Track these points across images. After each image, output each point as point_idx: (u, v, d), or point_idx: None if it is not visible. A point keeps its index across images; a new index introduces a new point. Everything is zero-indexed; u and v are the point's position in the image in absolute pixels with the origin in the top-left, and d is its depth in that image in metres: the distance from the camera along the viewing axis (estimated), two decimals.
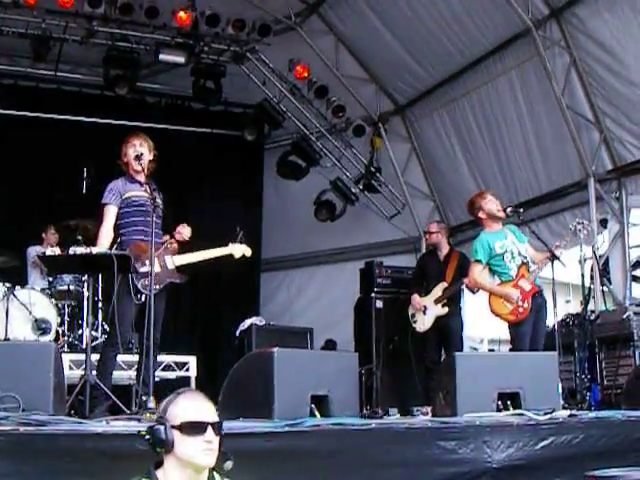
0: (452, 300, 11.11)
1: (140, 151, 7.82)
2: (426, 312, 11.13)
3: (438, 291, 11.09)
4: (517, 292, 9.06)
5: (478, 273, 9.34)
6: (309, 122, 14.96)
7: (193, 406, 3.92)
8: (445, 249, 11.50)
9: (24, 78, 13.98)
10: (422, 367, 11.40)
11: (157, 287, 7.50)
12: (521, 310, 9.07)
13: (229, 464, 3.96)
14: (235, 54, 14.03)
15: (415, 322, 11.26)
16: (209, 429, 3.86)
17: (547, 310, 9.32)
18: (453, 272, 11.16)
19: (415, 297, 11.25)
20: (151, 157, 7.94)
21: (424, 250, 13.75)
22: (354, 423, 6.33)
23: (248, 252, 8.45)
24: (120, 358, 9.43)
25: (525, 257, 9.29)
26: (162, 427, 3.86)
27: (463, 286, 10.89)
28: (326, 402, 6.73)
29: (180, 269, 7.94)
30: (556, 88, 11.75)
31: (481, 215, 9.50)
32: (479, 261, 9.28)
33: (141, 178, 7.86)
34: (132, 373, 9.54)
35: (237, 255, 8.36)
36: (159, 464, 3.92)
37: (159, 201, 7.62)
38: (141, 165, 7.78)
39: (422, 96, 14.50)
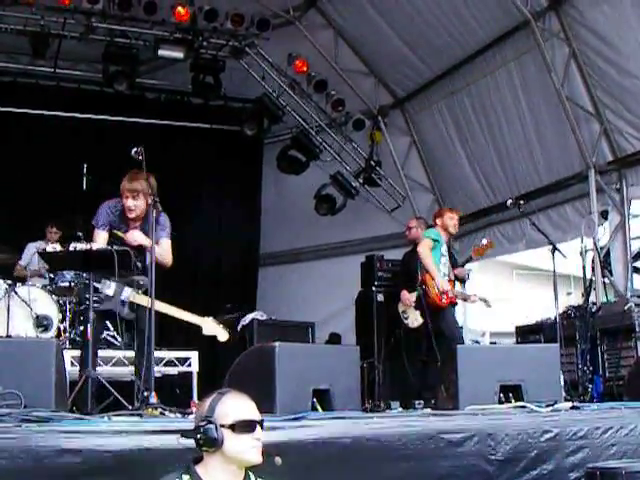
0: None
1: (133, 205, 7.61)
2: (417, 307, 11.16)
3: None
4: (448, 287, 10.03)
5: (429, 248, 10.10)
6: (309, 116, 14.96)
7: (243, 405, 4.05)
8: None
9: (23, 75, 13.98)
10: (417, 362, 11.42)
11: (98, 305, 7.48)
12: (444, 300, 10.01)
13: (279, 459, 4.10)
14: (234, 49, 14.03)
15: (406, 318, 11.28)
16: (258, 427, 4.00)
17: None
18: None
19: (404, 294, 11.27)
20: (150, 201, 7.73)
21: None
22: (356, 417, 6.34)
23: (222, 337, 8.15)
24: (122, 354, 9.47)
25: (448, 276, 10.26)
26: (212, 426, 3.95)
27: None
28: (328, 396, 6.73)
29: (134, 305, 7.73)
30: (555, 80, 11.74)
31: (439, 223, 10.36)
32: (436, 241, 10.15)
33: (132, 219, 7.74)
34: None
35: (205, 332, 8.09)
36: (197, 460, 4.02)
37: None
38: (135, 215, 7.68)
39: (421, 89, 14.52)
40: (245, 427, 3.95)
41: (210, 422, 3.95)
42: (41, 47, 12.77)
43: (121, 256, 7.17)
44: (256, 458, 3.99)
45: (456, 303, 10.31)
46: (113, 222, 7.72)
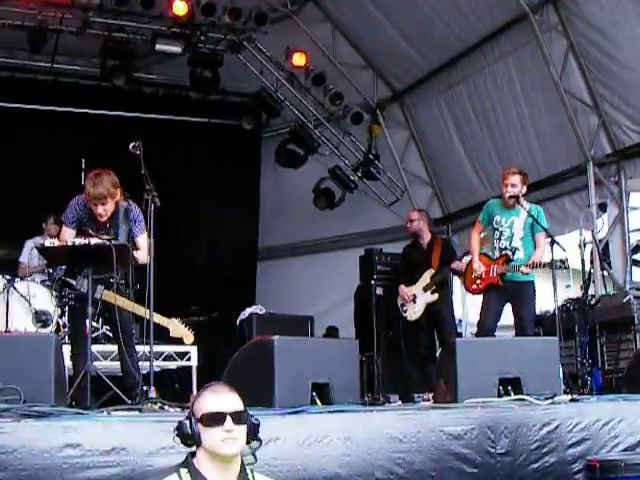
0: (441, 286, 11.15)
1: (103, 211, 7.59)
2: (416, 300, 11.18)
3: (426, 278, 11.14)
4: (481, 270, 9.50)
5: (476, 231, 9.81)
6: (307, 110, 14.94)
7: (213, 398, 4.04)
8: (427, 237, 11.54)
9: (21, 70, 13.97)
10: (416, 355, 11.46)
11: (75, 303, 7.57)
12: (474, 286, 9.70)
13: (251, 458, 4.12)
14: (232, 43, 14.00)
15: (405, 312, 11.33)
16: (228, 418, 3.96)
17: (528, 298, 9.51)
18: (438, 258, 11.22)
19: (402, 288, 11.32)
20: (118, 198, 7.73)
21: None
22: (355, 410, 6.34)
23: (187, 340, 8.21)
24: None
25: (513, 250, 9.43)
26: (188, 422, 4.00)
27: (455, 269, 11.06)
28: (327, 390, 6.73)
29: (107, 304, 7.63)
30: (554, 73, 11.73)
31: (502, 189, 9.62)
32: (480, 221, 9.73)
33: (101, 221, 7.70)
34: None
35: (172, 334, 8.12)
36: (194, 454, 4.04)
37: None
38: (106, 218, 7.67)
39: (419, 82, 14.49)
40: (211, 420, 3.95)
41: (189, 417, 4.01)
42: (39, 42, 12.74)
43: (120, 251, 7.18)
44: (226, 450, 3.95)
45: (499, 285, 9.41)
46: (82, 219, 7.69)
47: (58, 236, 8.86)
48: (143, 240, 7.66)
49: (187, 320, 8.34)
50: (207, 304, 14.91)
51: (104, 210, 7.57)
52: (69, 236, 7.63)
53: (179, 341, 10.81)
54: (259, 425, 4.13)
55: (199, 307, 12.66)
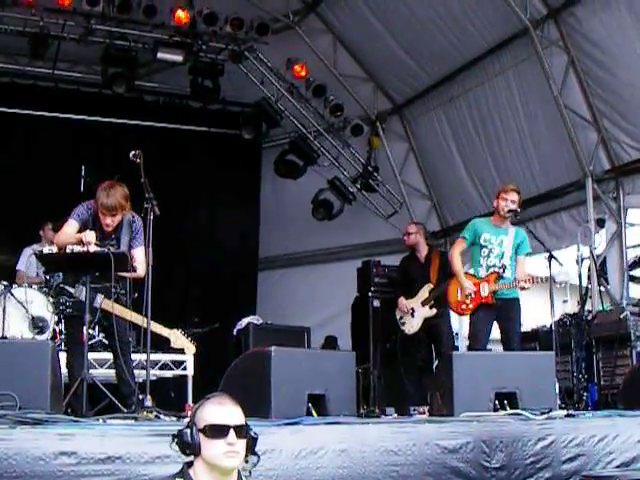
0: (439, 301, 11.09)
1: (111, 221, 7.59)
2: (414, 314, 11.16)
3: (424, 293, 11.11)
4: (472, 289, 9.32)
5: (458, 249, 9.61)
6: (307, 121, 14.95)
7: (217, 410, 4.02)
8: (424, 250, 11.51)
9: (22, 76, 13.94)
10: (412, 368, 11.44)
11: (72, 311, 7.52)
12: (463, 307, 9.50)
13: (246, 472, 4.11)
14: (233, 53, 14.01)
15: (403, 325, 11.31)
16: (231, 432, 3.95)
17: (516, 315, 9.46)
18: (437, 272, 11.17)
19: (402, 300, 11.28)
20: (126, 211, 7.70)
21: None
22: (351, 422, 6.33)
23: (189, 351, 8.23)
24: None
25: (503, 267, 9.33)
26: (189, 431, 3.97)
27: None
28: (323, 401, 6.73)
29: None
30: (554, 88, 11.75)
31: (494, 205, 9.59)
32: (464, 238, 9.53)
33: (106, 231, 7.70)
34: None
35: (173, 345, 8.13)
36: (191, 464, 4.02)
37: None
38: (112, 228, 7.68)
39: (420, 95, 14.53)
40: (214, 432, 3.94)
41: (190, 427, 3.98)
42: (40, 48, 12.74)
43: (118, 259, 7.16)
44: (227, 463, 3.95)
45: (491, 303, 9.33)
46: (87, 223, 7.68)
47: None
48: (140, 253, 7.66)
49: (189, 331, 8.33)
50: (206, 314, 14.90)
51: (112, 221, 7.58)
52: (72, 229, 7.61)
53: (176, 350, 10.84)
54: (257, 439, 4.11)
55: (200, 318, 12.63)
